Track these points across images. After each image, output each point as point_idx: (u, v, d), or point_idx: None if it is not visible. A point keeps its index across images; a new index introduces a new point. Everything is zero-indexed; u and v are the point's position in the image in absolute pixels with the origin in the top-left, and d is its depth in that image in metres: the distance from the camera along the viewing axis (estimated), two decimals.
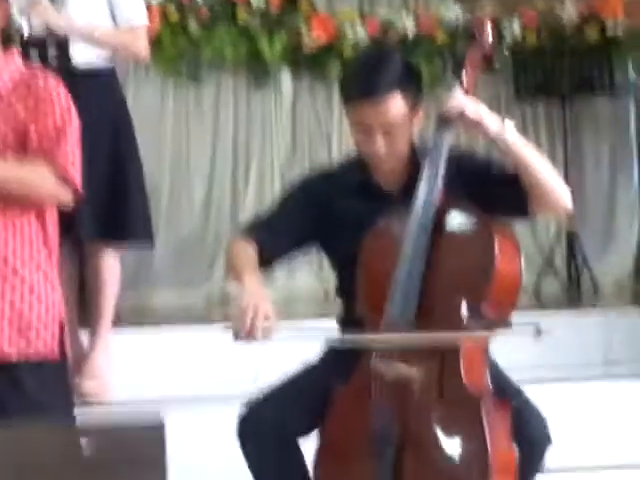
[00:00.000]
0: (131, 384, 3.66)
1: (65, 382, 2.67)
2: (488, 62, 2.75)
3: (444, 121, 2.61)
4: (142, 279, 5.23)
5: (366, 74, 2.61)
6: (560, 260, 5.36)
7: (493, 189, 2.64)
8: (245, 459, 2.63)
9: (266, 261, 2.67)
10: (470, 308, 2.49)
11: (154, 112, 5.28)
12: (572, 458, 3.56)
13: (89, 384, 3.66)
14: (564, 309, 4.87)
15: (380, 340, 2.53)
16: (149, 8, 4.57)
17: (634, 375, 3.97)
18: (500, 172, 2.68)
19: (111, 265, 3.74)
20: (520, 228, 2.65)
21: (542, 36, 5.43)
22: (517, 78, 5.31)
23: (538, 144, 5.29)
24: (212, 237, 5.32)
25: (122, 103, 3.82)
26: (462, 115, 2.57)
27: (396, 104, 2.59)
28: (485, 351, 2.56)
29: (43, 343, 2.58)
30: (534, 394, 2.64)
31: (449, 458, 2.45)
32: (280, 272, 5.19)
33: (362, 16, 5.39)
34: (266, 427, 2.57)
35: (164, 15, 5.17)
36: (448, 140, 2.63)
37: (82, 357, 3.68)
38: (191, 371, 3.93)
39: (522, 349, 3.81)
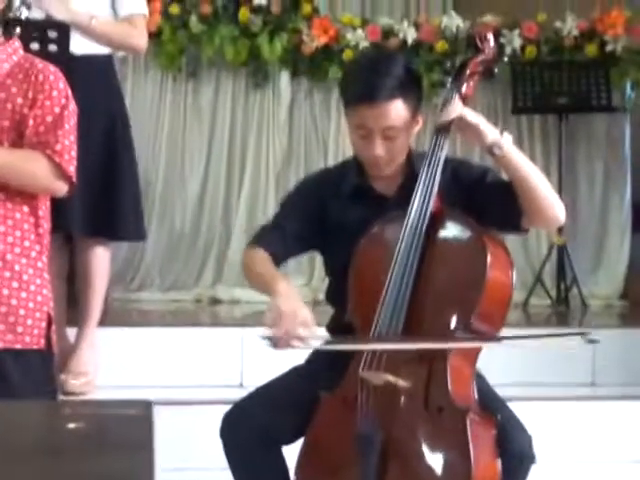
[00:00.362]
0: (116, 384, 3.64)
1: (50, 373, 2.64)
2: (488, 72, 2.73)
3: (442, 127, 2.60)
4: (132, 278, 5.22)
5: (369, 77, 2.59)
6: (550, 277, 5.35)
7: (488, 199, 2.63)
8: (227, 460, 2.62)
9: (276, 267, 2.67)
10: (459, 319, 2.47)
11: (152, 107, 5.27)
12: (555, 477, 3.54)
13: (74, 381, 3.63)
14: (552, 327, 4.86)
15: (368, 347, 2.51)
16: (151, 1, 4.57)
17: (620, 396, 3.96)
18: (496, 182, 2.67)
19: (101, 262, 3.72)
20: (511, 244, 2.63)
21: (542, 49, 5.44)
22: (515, 90, 5.31)
23: (533, 158, 5.29)
24: (204, 237, 5.31)
25: (118, 91, 3.79)
26: (460, 121, 2.56)
27: (397, 109, 2.58)
28: (473, 365, 2.55)
29: (30, 335, 2.56)
30: (520, 411, 2.62)
31: (432, 469, 2.44)
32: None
33: (363, 23, 5.40)
34: (249, 430, 2.56)
35: (165, 9, 5.16)
36: (445, 147, 2.62)
37: (68, 353, 3.65)
38: (177, 372, 3.90)
39: (509, 366, 3.82)
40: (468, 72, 2.69)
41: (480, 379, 2.60)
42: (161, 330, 4.15)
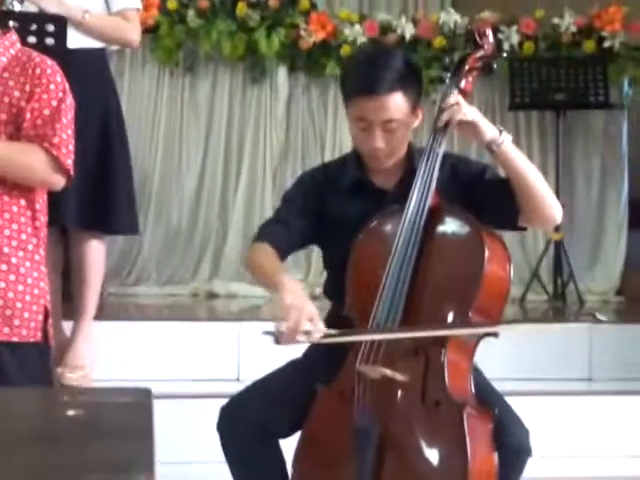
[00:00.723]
0: (113, 378, 3.64)
1: (47, 366, 2.64)
2: (487, 67, 2.73)
3: (440, 122, 2.60)
4: (128, 272, 5.22)
5: (369, 70, 2.60)
6: (546, 273, 5.36)
7: (485, 196, 2.63)
8: (224, 454, 2.62)
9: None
10: (457, 314, 2.48)
11: (149, 101, 5.27)
12: (552, 471, 3.55)
13: (71, 374, 3.63)
14: (549, 322, 4.86)
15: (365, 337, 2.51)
16: None
17: (617, 391, 3.97)
18: (494, 180, 2.68)
19: (96, 255, 3.71)
20: (508, 239, 2.64)
21: (539, 46, 5.44)
22: (512, 87, 5.31)
23: (530, 154, 5.31)
24: (201, 231, 5.31)
25: (111, 85, 3.78)
26: (458, 115, 2.56)
27: (397, 102, 2.59)
28: (470, 359, 2.55)
29: (27, 328, 2.55)
30: (517, 406, 2.63)
31: (429, 463, 2.44)
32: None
33: (361, 18, 5.40)
34: (246, 423, 2.57)
35: (163, 3, 5.16)
36: (444, 142, 2.62)
37: (65, 347, 3.65)
38: (174, 366, 3.90)
39: (506, 360, 3.83)
40: (467, 68, 2.69)
41: (477, 373, 2.60)
42: (158, 324, 4.16)
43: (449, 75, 2.70)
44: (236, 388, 3.00)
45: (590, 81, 5.27)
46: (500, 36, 5.26)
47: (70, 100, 2.60)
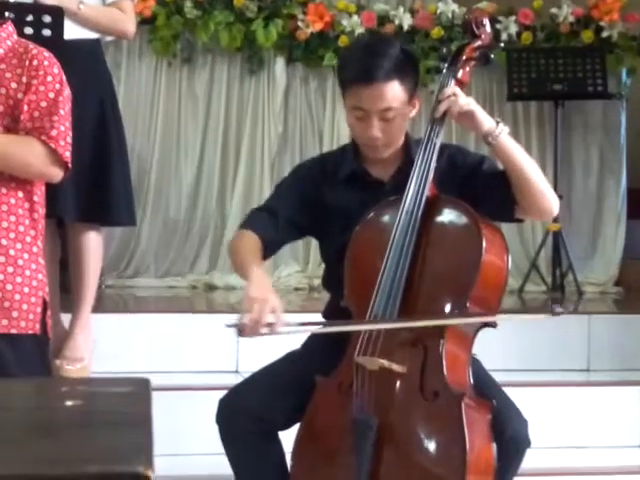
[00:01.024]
0: (111, 370, 3.64)
1: (45, 358, 2.64)
2: (484, 58, 2.73)
3: (438, 113, 2.60)
4: (126, 264, 5.21)
5: (366, 59, 2.59)
6: (545, 264, 5.36)
7: (482, 187, 2.63)
8: (223, 446, 2.62)
9: (267, 255, 2.67)
10: (455, 304, 2.48)
11: (146, 93, 5.26)
12: (551, 462, 3.56)
13: (70, 366, 3.62)
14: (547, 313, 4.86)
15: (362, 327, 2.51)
16: None
17: (615, 381, 3.97)
18: (491, 171, 2.67)
19: (93, 247, 3.70)
20: (507, 230, 2.64)
21: (537, 36, 5.44)
22: (511, 77, 5.30)
23: (528, 145, 5.31)
24: (199, 223, 5.31)
25: (107, 76, 3.76)
26: (456, 105, 2.55)
27: (394, 90, 2.58)
28: (468, 350, 2.55)
29: (25, 320, 2.55)
30: (515, 397, 2.63)
31: (427, 454, 2.45)
32: (266, 266, 5.20)
33: (359, 9, 5.39)
34: (245, 415, 2.57)
35: None
36: (441, 132, 2.62)
37: (63, 339, 3.65)
38: (173, 358, 3.90)
39: (505, 351, 3.83)
40: (464, 58, 2.68)
41: (476, 364, 2.60)
42: (156, 316, 4.15)
43: (446, 65, 2.70)
44: (235, 380, 3.01)
45: (588, 71, 5.27)
46: (498, 26, 5.26)
47: (67, 92, 2.59)
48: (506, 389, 2.65)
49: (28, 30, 3.15)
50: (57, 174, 2.58)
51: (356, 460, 2.43)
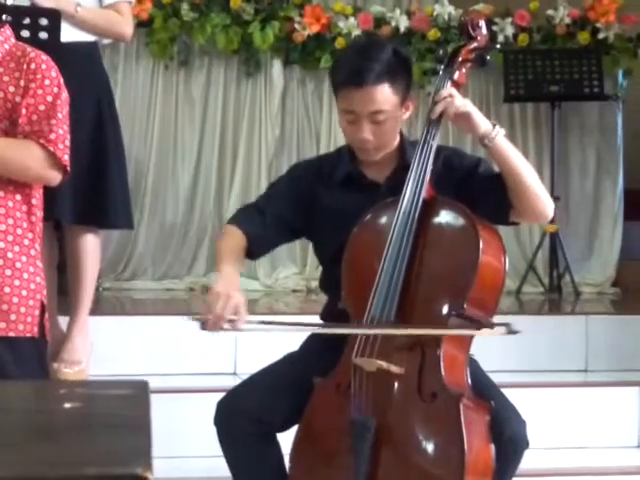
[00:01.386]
0: (109, 373, 3.63)
1: (43, 361, 2.64)
2: (480, 59, 2.73)
3: (434, 114, 2.60)
4: (124, 267, 5.21)
5: (357, 62, 2.60)
6: (542, 265, 5.37)
7: (478, 190, 2.63)
8: (221, 448, 2.62)
9: (255, 253, 2.68)
10: (452, 305, 2.48)
11: (143, 95, 5.26)
12: (549, 462, 3.56)
13: (67, 369, 3.62)
14: (545, 314, 4.88)
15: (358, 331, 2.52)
16: None
17: (613, 382, 3.98)
18: (487, 174, 2.67)
19: (91, 250, 3.70)
20: (503, 232, 2.64)
21: (534, 37, 5.44)
22: (507, 79, 5.31)
23: (525, 146, 5.32)
24: (196, 226, 5.31)
25: (104, 79, 3.76)
26: (452, 107, 2.55)
27: (384, 93, 2.58)
28: (466, 351, 2.55)
29: (23, 323, 2.55)
30: (513, 397, 2.63)
31: (425, 455, 2.45)
32: (264, 268, 5.21)
33: (355, 11, 5.39)
34: (243, 417, 2.57)
35: None
36: (438, 134, 2.62)
37: (61, 342, 3.64)
38: (171, 361, 3.90)
39: (502, 352, 3.84)
40: (460, 59, 2.68)
41: (474, 365, 2.61)
42: (154, 319, 4.15)
43: (442, 67, 2.70)
44: (233, 382, 3.01)
45: (585, 73, 5.28)
46: (494, 28, 5.26)
47: (65, 95, 2.59)
48: (504, 390, 2.65)
49: (25, 33, 3.15)
50: (55, 177, 2.58)
51: (354, 461, 2.43)
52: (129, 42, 4.26)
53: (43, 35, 3.22)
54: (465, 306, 2.46)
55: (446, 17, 5.34)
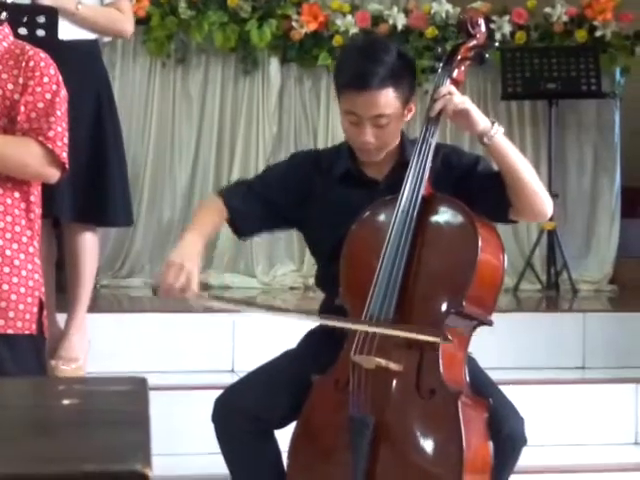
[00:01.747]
0: (106, 370, 3.64)
1: (41, 359, 2.64)
2: (479, 57, 2.73)
3: (433, 112, 2.60)
4: (121, 264, 5.21)
5: (361, 64, 2.59)
6: (540, 262, 5.37)
7: (477, 188, 2.63)
8: (219, 445, 2.62)
9: (242, 229, 2.69)
10: (451, 303, 2.48)
11: (140, 93, 5.26)
12: (546, 459, 3.56)
13: (65, 367, 3.62)
14: (542, 312, 4.88)
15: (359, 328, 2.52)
16: None
17: (610, 379, 3.98)
18: (486, 172, 2.67)
19: (90, 247, 3.70)
20: (501, 229, 2.64)
21: (531, 35, 5.45)
22: (505, 76, 5.31)
23: (523, 144, 5.32)
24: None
25: (104, 77, 3.76)
26: (451, 104, 2.55)
27: (388, 97, 2.58)
28: (464, 348, 2.55)
29: (22, 320, 2.55)
30: (511, 394, 2.63)
31: (423, 452, 2.45)
32: (261, 266, 5.21)
33: (353, 9, 5.39)
34: (241, 414, 2.57)
35: None
36: (436, 132, 2.62)
37: (58, 339, 3.64)
38: (168, 358, 3.90)
39: (500, 349, 3.84)
40: (459, 57, 2.68)
41: (472, 362, 2.61)
42: (151, 316, 4.15)
43: (441, 65, 2.69)
44: (231, 379, 3.01)
45: (582, 70, 5.28)
46: (492, 26, 5.26)
47: (64, 92, 2.59)
48: (502, 387, 2.65)
49: (22, 31, 3.15)
50: (54, 175, 2.58)
51: (352, 458, 2.43)
52: (130, 39, 4.25)
53: (40, 32, 3.22)
54: (464, 304, 2.46)
55: (444, 15, 5.34)
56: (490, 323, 2.54)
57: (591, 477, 3.56)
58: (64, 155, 2.56)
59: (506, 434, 2.49)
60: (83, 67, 3.58)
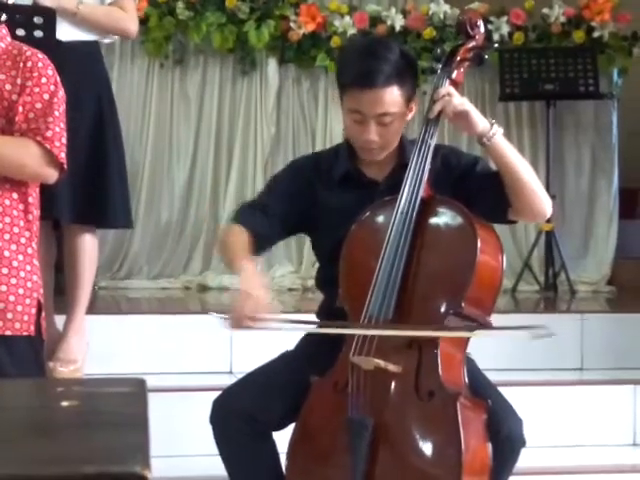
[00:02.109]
0: (104, 372, 3.63)
1: (39, 360, 2.64)
2: (478, 58, 2.73)
3: (432, 113, 2.60)
4: (119, 266, 5.21)
5: (366, 62, 2.59)
6: (538, 263, 5.37)
7: (476, 188, 2.63)
8: (217, 447, 2.62)
9: (258, 251, 2.67)
10: (450, 304, 2.48)
11: (138, 94, 5.25)
12: (544, 461, 3.56)
13: (63, 368, 3.62)
14: (540, 313, 4.88)
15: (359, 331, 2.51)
16: None
17: (608, 380, 3.98)
18: (485, 172, 2.67)
19: (89, 249, 3.70)
20: (499, 230, 2.64)
21: (529, 36, 5.45)
22: (502, 77, 5.31)
23: (521, 145, 5.32)
24: (192, 224, 5.31)
25: (105, 78, 3.75)
26: (450, 105, 2.55)
27: (393, 95, 2.58)
28: (463, 350, 2.55)
29: (20, 322, 2.55)
30: (509, 396, 2.63)
31: (422, 454, 2.45)
32: (260, 267, 5.20)
33: (351, 10, 5.39)
34: (238, 416, 2.56)
35: None
36: (436, 133, 2.62)
37: (56, 341, 3.64)
38: (166, 360, 3.90)
39: (498, 351, 3.84)
40: (458, 58, 2.68)
41: (471, 364, 2.61)
42: (150, 317, 4.15)
43: (440, 66, 2.69)
44: (229, 381, 3.00)
45: (580, 71, 5.29)
46: (490, 27, 5.27)
47: (62, 93, 2.59)
48: (500, 388, 2.65)
49: (20, 32, 3.15)
50: (52, 175, 2.57)
51: (351, 460, 2.43)
52: (134, 38, 4.21)
53: (38, 33, 3.22)
54: (463, 305, 2.46)
55: (442, 16, 5.34)
56: (489, 325, 2.53)
57: (589, 478, 3.56)
58: (62, 155, 2.55)
59: (505, 435, 2.49)
60: (84, 68, 3.58)
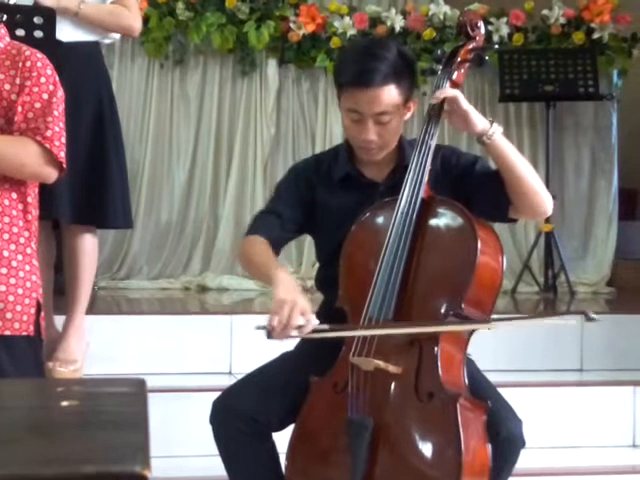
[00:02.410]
0: (104, 372, 3.63)
1: (38, 360, 2.64)
2: (478, 59, 2.73)
3: (433, 112, 2.60)
4: (119, 266, 5.21)
5: (363, 61, 2.59)
6: (537, 264, 5.38)
7: (476, 188, 2.64)
8: (217, 447, 2.62)
9: (277, 252, 2.67)
10: (450, 305, 2.48)
11: (138, 94, 5.26)
12: (544, 462, 3.56)
13: (62, 369, 3.62)
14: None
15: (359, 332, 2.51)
16: None
17: (608, 381, 3.98)
18: (485, 172, 2.68)
19: (89, 249, 3.70)
20: (499, 231, 2.65)
21: (529, 37, 5.45)
22: (502, 78, 5.32)
23: (520, 146, 5.33)
24: (191, 225, 5.31)
25: (106, 78, 3.75)
26: (450, 105, 2.55)
27: (391, 94, 2.58)
28: (463, 351, 2.55)
29: (19, 322, 2.55)
30: (509, 397, 2.63)
31: (422, 455, 2.44)
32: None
33: (351, 10, 5.40)
34: (238, 416, 2.56)
35: None
36: (436, 134, 2.62)
37: (56, 341, 3.64)
38: (166, 360, 3.90)
39: (498, 352, 3.84)
40: (459, 59, 2.69)
41: (471, 365, 2.60)
42: (149, 318, 4.15)
43: (441, 67, 2.70)
44: (228, 381, 3.01)
45: (580, 72, 5.29)
46: (490, 28, 5.27)
47: (61, 93, 2.59)
48: (500, 389, 2.65)
49: (20, 32, 3.15)
50: (51, 174, 2.57)
51: (351, 461, 2.42)
52: (137, 36, 4.19)
53: (38, 34, 3.22)
54: (463, 306, 2.46)
55: (441, 17, 5.35)
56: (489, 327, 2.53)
57: (589, 479, 3.56)
58: (62, 155, 2.55)
59: (504, 436, 2.49)
60: (84, 69, 3.58)
